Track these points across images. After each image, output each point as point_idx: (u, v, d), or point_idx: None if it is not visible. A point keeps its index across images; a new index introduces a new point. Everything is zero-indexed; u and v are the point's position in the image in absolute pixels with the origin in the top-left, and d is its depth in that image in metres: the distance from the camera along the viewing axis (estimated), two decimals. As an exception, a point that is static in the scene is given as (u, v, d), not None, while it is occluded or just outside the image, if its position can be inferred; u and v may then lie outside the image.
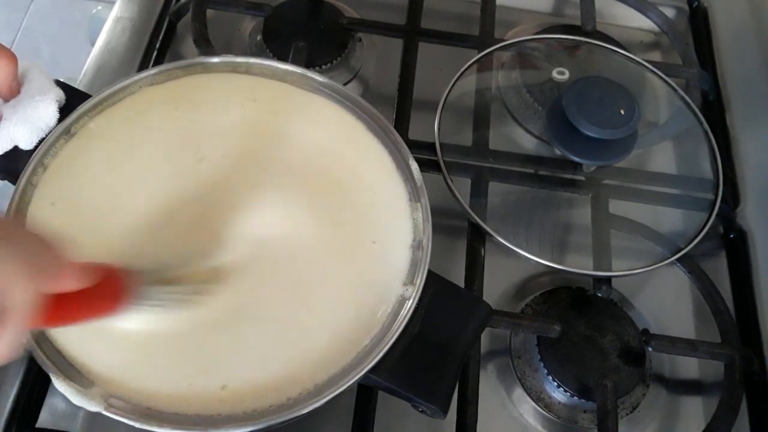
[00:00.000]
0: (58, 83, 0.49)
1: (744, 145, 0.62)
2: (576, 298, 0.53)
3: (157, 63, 0.63)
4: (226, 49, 0.65)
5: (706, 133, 0.59)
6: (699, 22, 0.71)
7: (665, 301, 0.56)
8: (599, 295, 0.52)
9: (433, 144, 0.56)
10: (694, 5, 0.72)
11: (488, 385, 0.51)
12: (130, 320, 0.39)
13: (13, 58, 0.43)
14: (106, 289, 0.35)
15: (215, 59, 0.50)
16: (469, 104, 0.60)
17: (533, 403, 0.50)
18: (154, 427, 0.37)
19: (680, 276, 0.55)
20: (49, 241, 0.31)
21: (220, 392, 0.39)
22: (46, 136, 0.45)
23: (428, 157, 0.55)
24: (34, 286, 0.29)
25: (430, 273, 0.43)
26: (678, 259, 0.53)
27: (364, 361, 0.39)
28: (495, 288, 0.54)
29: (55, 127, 0.45)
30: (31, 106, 0.44)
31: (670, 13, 0.71)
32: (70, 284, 0.33)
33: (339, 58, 0.63)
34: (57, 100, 0.45)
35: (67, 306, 0.33)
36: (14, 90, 0.44)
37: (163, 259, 0.41)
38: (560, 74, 0.61)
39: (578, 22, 0.67)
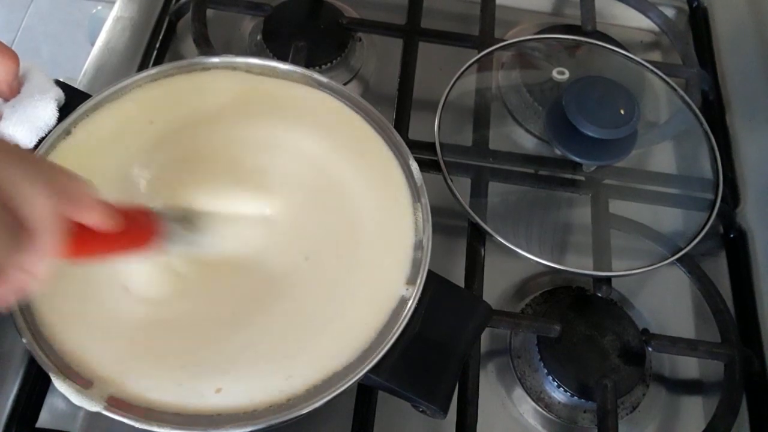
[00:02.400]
0: (58, 83, 0.49)
1: (744, 145, 0.62)
2: (576, 298, 0.53)
3: (157, 63, 0.63)
4: (226, 49, 0.65)
5: (706, 133, 0.59)
6: (699, 22, 0.71)
7: (665, 301, 0.56)
8: (599, 295, 0.52)
9: (433, 144, 0.56)
10: (694, 5, 0.72)
11: (488, 385, 0.51)
12: (129, 318, 0.40)
13: (14, 57, 0.43)
14: (133, 226, 0.37)
15: (215, 59, 0.50)
16: (469, 104, 0.60)
17: (533, 403, 0.50)
18: (154, 426, 0.37)
19: (680, 276, 0.55)
20: (72, 174, 0.32)
21: (219, 392, 0.39)
22: (46, 135, 0.45)
23: (428, 157, 0.55)
24: (54, 205, 0.30)
25: (430, 273, 0.43)
26: (678, 259, 0.53)
27: (364, 361, 0.39)
28: (495, 288, 0.54)
29: (54, 126, 0.45)
30: (30, 106, 0.44)
31: (670, 12, 0.71)
32: (92, 217, 0.33)
33: (339, 58, 0.64)
34: (56, 100, 0.46)
35: (95, 239, 0.34)
36: (14, 89, 0.45)
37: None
38: (560, 74, 0.61)
39: (578, 22, 0.67)
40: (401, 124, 0.58)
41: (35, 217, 0.29)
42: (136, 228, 0.37)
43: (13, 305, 0.40)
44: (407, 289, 0.42)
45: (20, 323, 0.40)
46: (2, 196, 0.28)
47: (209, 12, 0.64)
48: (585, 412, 0.49)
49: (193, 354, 0.40)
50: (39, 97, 0.44)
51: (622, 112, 0.54)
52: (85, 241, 0.33)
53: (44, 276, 0.30)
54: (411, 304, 0.41)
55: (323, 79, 0.50)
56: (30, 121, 0.44)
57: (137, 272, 0.41)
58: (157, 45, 0.63)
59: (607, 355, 0.50)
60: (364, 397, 0.47)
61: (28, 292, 0.30)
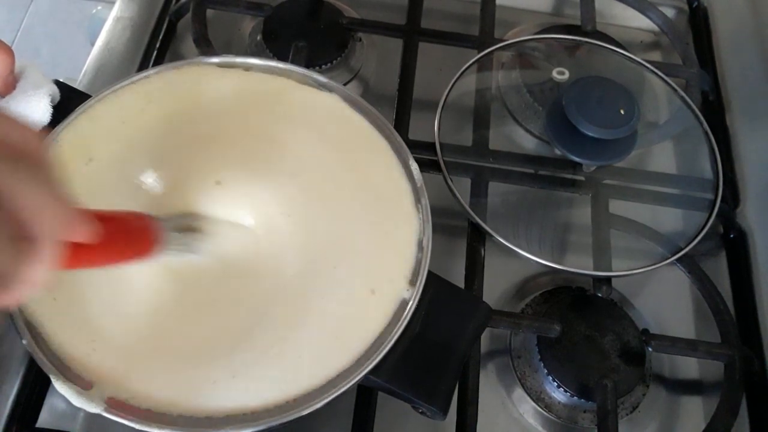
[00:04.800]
0: (58, 83, 0.49)
1: (744, 145, 0.62)
2: (576, 298, 0.53)
3: (157, 63, 0.63)
4: (226, 49, 0.65)
5: (706, 133, 0.59)
6: (699, 22, 0.71)
7: (665, 301, 0.56)
8: (599, 295, 0.52)
9: (433, 144, 0.56)
10: (694, 5, 0.72)
11: (488, 385, 0.51)
12: (128, 318, 0.40)
13: (10, 52, 0.43)
14: (130, 234, 0.37)
15: (215, 59, 0.50)
16: (469, 104, 0.60)
17: (533, 403, 0.50)
18: (154, 428, 0.37)
19: (680, 276, 0.55)
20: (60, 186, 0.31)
21: (218, 394, 0.39)
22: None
23: (428, 157, 0.55)
24: (60, 215, 0.29)
25: (430, 274, 0.43)
26: (678, 259, 0.53)
27: (364, 362, 0.39)
28: (495, 288, 0.54)
29: (47, 122, 0.45)
30: (24, 101, 0.44)
31: (670, 13, 0.71)
32: (83, 234, 0.32)
33: (339, 58, 0.63)
34: (50, 95, 0.45)
35: (92, 248, 0.33)
36: (9, 85, 0.44)
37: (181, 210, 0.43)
38: (560, 74, 0.61)
39: (578, 22, 0.67)
40: (401, 124, 0.58)
41: (40, 225, 0.28)
42: (134, 236, 0.37)
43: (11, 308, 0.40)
44: (407, 290, 0.42)
45: (20, 324, 0.40)
46: (7, 203, 0.27)
47: (209, 12, 0.64)
48: (585, 412, 0.49)
49: (193, 355, 0.40)
50: (32, 93, 0.44)
51: (622, 112, 0.54)
52: (83, 250, 0.33)
53: (43, 285, 0.29)
54: (411, 305, 0.41)
55: (323, 79, 0.50)
56: (22, 116, 0.44)
57: (137, 273, 0.41)
58: (157, 45, 0.63)
59: (607, 355, 0.50)
60: (364, 397, 0.47)
61: (24, 299, 0.30)
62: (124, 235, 0.36)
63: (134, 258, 0.37)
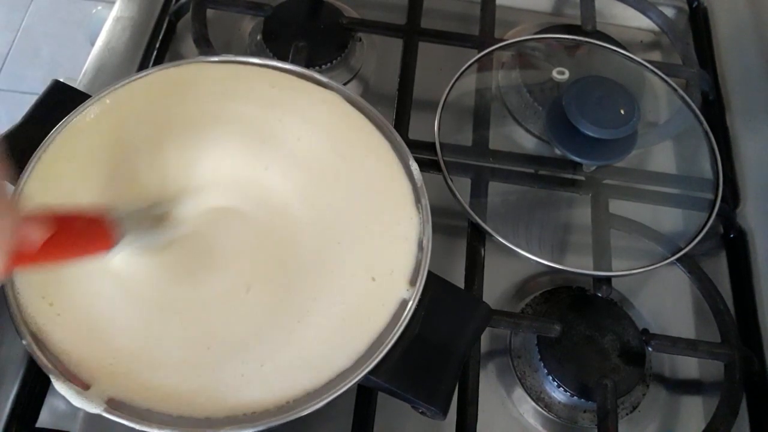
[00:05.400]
0: (58, 83, 0.49)
1: (744, 145, 0.62)
2: (576, 298, 0.53)
3: (157, 63, 0.63)
4: (226, 49, 0.65)
5: (706, 133, 0.59)
6: (699, 21, 0.71)
7: (665, 301, 0.56)
8: (599, 295, 0.52)
9: (433, 144, 0.56)
10: (694, 5, 0.72)
11: (488, 385, 0.51)
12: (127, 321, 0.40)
13: None
14: (89, 229, 0.38)
15: (215, 59, 0.50)
16: (469, 104, 0.60)
17: (533, 403, 0.50)
18: (154, 428, 0.37)
19: (680, 276, 0.55)
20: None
21: (218, 395, 0.39)
22: None
23: (428, 157, 0.55)
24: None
25: (429, 274, 0.43)
26: (678, 259, 0.53)
27: (364, 363, 0.39)
28: (495, 288, 0.54)
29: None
30: None
31: (670, 12, 0.71)
32: (35, 235, 0.33)
33: (339, 58, 0.63)
34: None
35: (44, 248, 0.34)
36: None
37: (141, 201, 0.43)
38: (560, 74, 0.61)
39: (578, 22, 0.67)
40: (401, 124, 0.58)
41: None
42: (87, 232, 0.38)
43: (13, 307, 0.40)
44: (407, 291, 0.42)
45: (20, 325, 0.40)
46: None
47: (209, 12, 0.64)
48: (585, 412, 0.49)
49: (192, 357, 0.40)
50: None
51: (622, 112, 0.54)
52: (33, 251, 0.33)
53: None
54: (411, 306, 0.41)
55: (323, 79, 0.50)
56: None
57: (133, 270, 0.41)
58: (157, 45, 0.63)
59: (607, 355, 0.50)
60: (364, 397, 0.47)
61: None
62: (79, 230, 0.37)
63: (91, 252, 0.38)
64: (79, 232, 0.37)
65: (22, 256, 0.33)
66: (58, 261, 0.37)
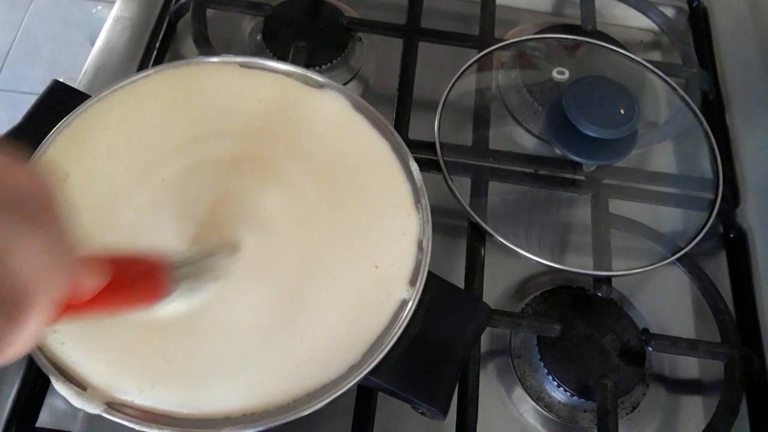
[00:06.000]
0: (58, 83, 0.49)
1: (744, 145, 0.62)
2: (576, 297, 0.53)
3: (157, 63, 0.63)
4: (226, 49, 0.65)
5: (706, 133, 0.59)
6: (699, 22, 0.71)
7: (665, 301, 0.56)
8: (599, 294, 0.52)
9: (433, 144, 0.56)
10: (694, 5, 0.72)
11: (488, 385, 0.51)
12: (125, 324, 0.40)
13: None
14: (144, 277, 0.34)
15: (215, 59, 0.50)
16: (469, 104, 0.60)
17: (533, 403, 0.50)
18: (154, 429, 0.37)
19: (680, 276, 0.55)
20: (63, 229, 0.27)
21: (218, 396, 0.39)
22: None
23: (428, 157, 0.55)
24: (49, 273, 0.26)
25: (429, 274, 0.43)
26: (678, 259, 0.53)
27: (364, 363, 0.40)
28: (495, 288, 0.54)
29: None
30: None
31: (670, 12, 0.71)
32: (87, 288, 0.30)
33: (339, 58, 0.63)
34: None
35: (102, 296, 0.30)
36: None
37: (194, 249, 0.41)
38: (560, 74, 0.61)
39: (578, 22, 0.67)
40: (401, 124, 0.58)
41: (37, 285, 0.25)
42: (142, 281, 0.34)
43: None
44: (407, 291, 0.42)
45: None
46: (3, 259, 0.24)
47: (209, 12, 0.64)
48: (585, 412, 0.49)
49: (192, 359, 0.40)
50: None
51: (622, 112, 0.54)
52: (83, 301, 0.30)
53: (33, 344, 0.26)
54: (411, 306, 0.41)
55: (323, 79, 0.50)
56: None
57: None
58: (157, 45, 0.63)
59: (607, 355, 0.50)
60: (364, 397, 0.47)
61: (11, 359, 0.26)
62: (131, 281, 0.33)
63: (139, 306, 0.34)
64: (134, 281, 0.33)
65: (71, 307, 0.29)
66: (107, 312, 0.32)
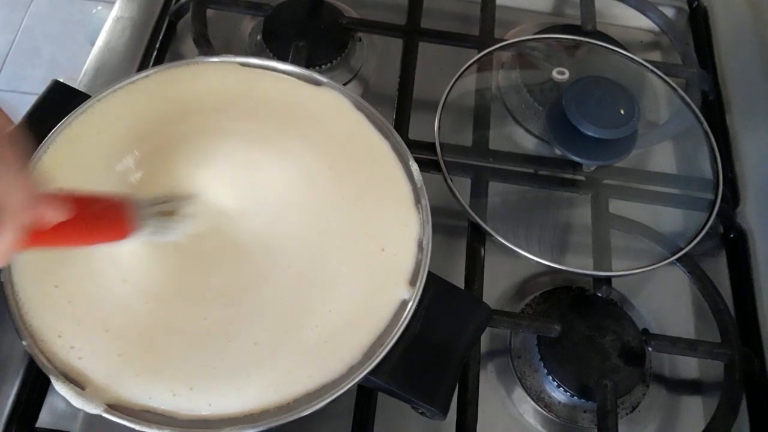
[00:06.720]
0: (58, 83, 0.49)
1: (744, 145, 0.62)
2: (576, 298, 0.53)
3: (157, 63, 0.63)
4: (226, 49, 0.65)
5: (706, 133, 0.59)
6: (699, 22, 0.71)
7: (665, 301, 0.56)
8: (599, 295, 0.52)
9: (433, 144, 0.56)
10: (694, 5, 0.72)
11: (488, 385, 0.51)
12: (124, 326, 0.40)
13: None
14: (105, 215, 0.38)
15: (215, 59, 0.50)
16: (469, 104, 0.60)
17: (533, 403, 0.50)
18: (154, 429, 0.37)
19: (680, 276, 0.55)
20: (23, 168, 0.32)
21: (218, 397, 0.39)
22: None
23: (428, 157, 0.55)
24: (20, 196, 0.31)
25: (429, 274, 0.43)
26: (678, 259, 0.53)
27: (364, 363, 0.40)
28: (495, 288, 0.54)
29: None
30: None
31: (670, 13, 0.71)
32: (51, 215, 0.33)
33: (339, 58, 0.63)
34: None
35: (64, 228, 0.34)
36: None
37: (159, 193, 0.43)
38: (560, 74, 0.61)
39: (578, 22, 0.67)
40: (401, 124, 0.58)
41: (3, 206, 0.30)
42: (108, 217, 0.38)
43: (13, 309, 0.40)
44: (407, 291, 0.42)
45: (20, 326, 0.40)
46: None
47: (209, 12, 0.64)
48: (585, 412, 0.49)
49: (192, 360, 0.40)
50: None
51: (622, 112, 0.54)
52: (53, 229, 0.33)
53: (4, 260, 0.31)
54: (411, 306, 0.41)
55: (323, 79, 0.50)
56: None
57: (136, 265, 0.41)
58: (157, 45, 0.63)
59: (607, 355, 0.50)
60: (364, 397, 0.47)
61: None
62: (98, 216, 0.37)
63: (107, 239, 0.38)
64: (97, 217, 0.37)
65: (35, 235, 0.32)
66: (71, 243, 0.37)
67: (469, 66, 0.60)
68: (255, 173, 0.45)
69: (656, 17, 0.69)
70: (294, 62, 0.55)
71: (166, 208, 0.42)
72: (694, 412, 0.51)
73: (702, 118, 0.59)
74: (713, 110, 0.65)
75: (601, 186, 0.57)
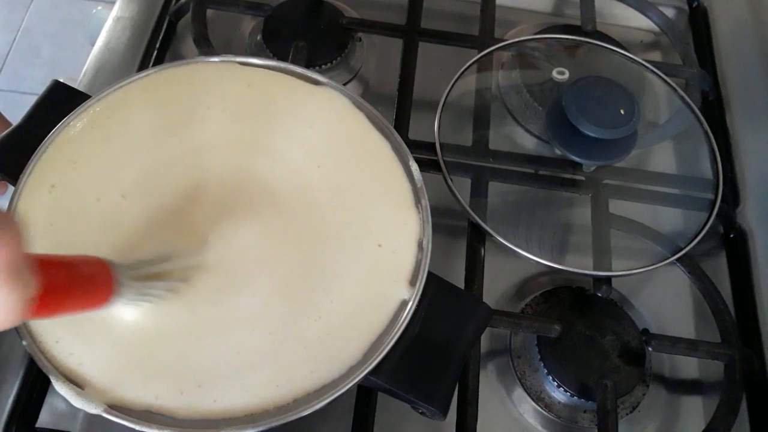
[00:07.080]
0: (58, 83, 0.49)
1: (744, 145, 0.62)
2: (576, 298, 0.53)
3: (157, 63, 0.63)
4: (226, 49, 0.65)
5: (706, 133, 0.59)
6: (699, 22, 0.71)
7: (665, 301, 0.56)
8: (599, 295, 0.52)
9: (433, 144, 0.56)
10: (694, 5, 0.72)
11: (488, 385, 0.51)
12: (124, 326, 0.40)
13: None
14: (89, 281, 0.36)
15: (215, 59, 0.50)
16: (469, 104, 0.60)
17: (533, 403, 0.50)
18: (155, 429, 0.37)
19: (680, 276, 0.55)
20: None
21: (219, 397, 0.39)
22: None
23: (428, 157, 0.55)
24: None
25: (429, 274, 0.43)
26: (678, 259, 0.53)
27: (364, 363, 0.40)
28: (495, 288, 0.54)
29: None
30: None
31: (670, 13, 0.71)
32: (28, 290, 0.30)
33: (339, 58, 0.64)
34: None
35: (47, 298, 0.32)
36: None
37: (144, 255, 0.41)
38: (560, 74, 0.61)
39: (578, 22, 0.67)
40: (401, 124, 0.58)
41: None
42: (86, 284, 0.35)
43: None
44: (407, 291, 0.42)
45: (20, 326, 0.40)
46: None
47: (209, 12, 0.64)
48: (585, 412, 0.49)
49: (192, 361, 0.40)
50: None
51: (622, 112, 0.54)
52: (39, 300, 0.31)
53: None
54: (411, 306, 0.41)
55: (323, 79, 0.50)
56: None
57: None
58: (157, 45, 0.63)
59: (607, 355, 0.50)
60: (364, 397, 0.47)
61: None
62: (75, 284, 0.34)
63: (86, 308, 0.36)
64: (79, 282, 0.35)
65: (34, 305, 0.30)
66: (60, 311, 0.34)
67: (469, 66, 0.60)
68: (253, 174, 0.45)
69: (656, 17, 0.69)
70: (294, 62, 0.55)
71: (149, 271, 0.39)
72: (694, 412, 0.51)
73: (702, 118, 0.59)
74: (713, 110, 0.65)
75: (601, 186, 0.57)
